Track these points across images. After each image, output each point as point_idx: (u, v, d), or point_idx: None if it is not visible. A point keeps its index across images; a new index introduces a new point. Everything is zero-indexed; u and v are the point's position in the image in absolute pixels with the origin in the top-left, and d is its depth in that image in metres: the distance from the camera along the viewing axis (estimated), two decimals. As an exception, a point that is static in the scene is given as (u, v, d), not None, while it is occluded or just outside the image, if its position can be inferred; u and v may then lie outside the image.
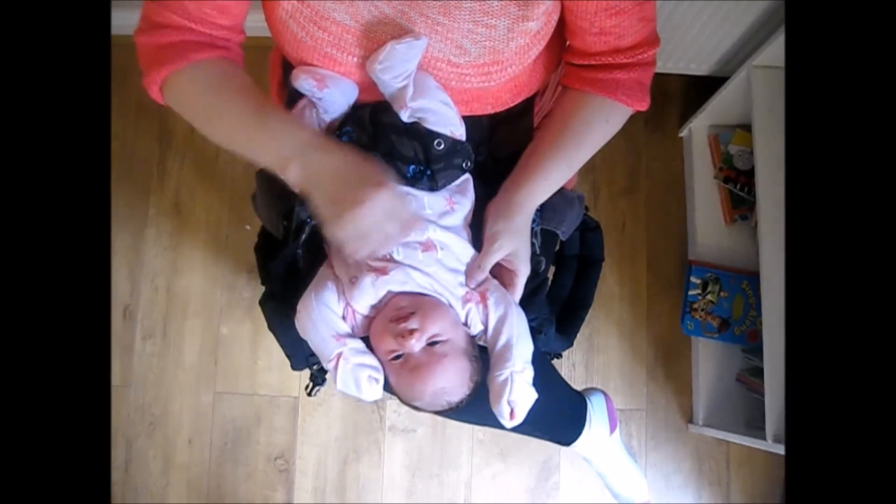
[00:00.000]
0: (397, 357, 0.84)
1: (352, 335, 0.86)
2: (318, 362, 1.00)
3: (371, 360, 0.85)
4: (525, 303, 0.91)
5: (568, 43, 0.91)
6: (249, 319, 1.80)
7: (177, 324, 1.81)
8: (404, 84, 0.84)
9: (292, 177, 0.78)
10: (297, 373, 1.03)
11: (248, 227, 1.80)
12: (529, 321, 0.89)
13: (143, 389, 1.78)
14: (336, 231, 0.77)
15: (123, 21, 1.78)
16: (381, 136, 0.86)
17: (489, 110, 0.94)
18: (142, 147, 1.87)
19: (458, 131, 0.89)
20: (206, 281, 1.82)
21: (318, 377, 1.03)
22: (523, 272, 0.90)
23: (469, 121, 0.92)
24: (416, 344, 0.82)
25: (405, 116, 0.85)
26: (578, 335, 1.79)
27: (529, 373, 0.85)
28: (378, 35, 0.81)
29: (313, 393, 0.99)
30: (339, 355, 0.83)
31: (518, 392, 0.83)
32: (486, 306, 0.87)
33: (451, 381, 0.85)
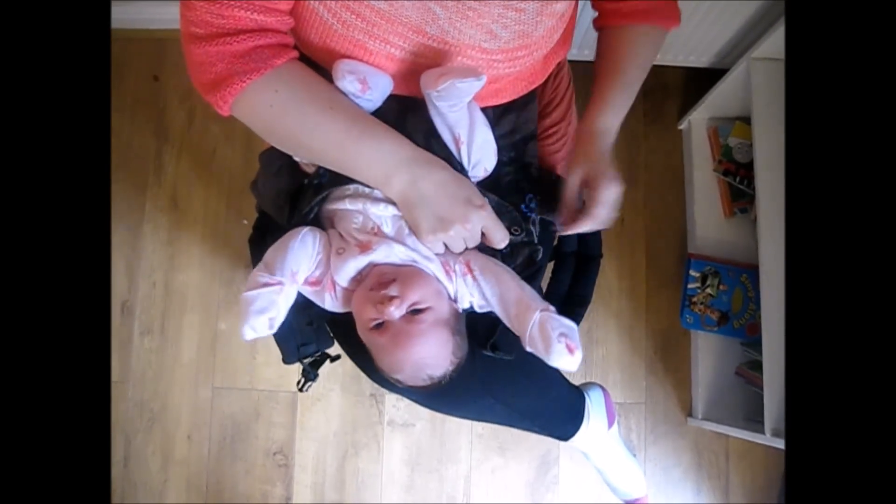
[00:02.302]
0: (378, 326, 0.84)
1: (306, 283, 0.87)
2: (309, 354, 1.00)
3: (283, 313, 0.84)
4: None
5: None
6: (247, 314, 1.80)
7: (175, 319, 1.81)
8: (458, 114, 0.84)
9: (393, 192, 0.83)
10: (295, 368, 1.03)
11: (245, 222, 1.80)
12: None
13: (141, 385, 1.78)
14: (434, 241, 0.84)
15: (119, 15, 1.79)
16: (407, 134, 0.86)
17: (505, 99, 0.94)
18: (138, 142, 1.86)
19: (491, 165, 0.90)
20: (203, 276, 1.82)
21: (310, 372, 1.02)
22: (603, 184, 0.90)
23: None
24: (395, 311, 0.82)
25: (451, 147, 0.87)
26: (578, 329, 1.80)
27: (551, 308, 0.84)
28: (412, 21, 0.79)
29: (304, 389, 0.99)
30: (281, 284, 0.82)
31: (561, 323, 0.82)
32: (474, 277, 0.87)
33: (432, 351, 0.85)
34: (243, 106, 0.80)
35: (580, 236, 1.08)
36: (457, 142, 0.86)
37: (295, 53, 0.82)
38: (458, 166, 0.86)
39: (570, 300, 1.06)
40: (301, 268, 0.85)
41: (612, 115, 0.94)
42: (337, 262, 0.85)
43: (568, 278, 1.07)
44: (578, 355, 0.81)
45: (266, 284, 0.82)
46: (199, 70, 0.79)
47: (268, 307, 0.81)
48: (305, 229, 0.87)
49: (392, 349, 0.84)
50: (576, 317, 1.03)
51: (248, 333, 0.81)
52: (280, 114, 0.81)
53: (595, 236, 1.08)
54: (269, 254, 0.86)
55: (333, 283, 0.87)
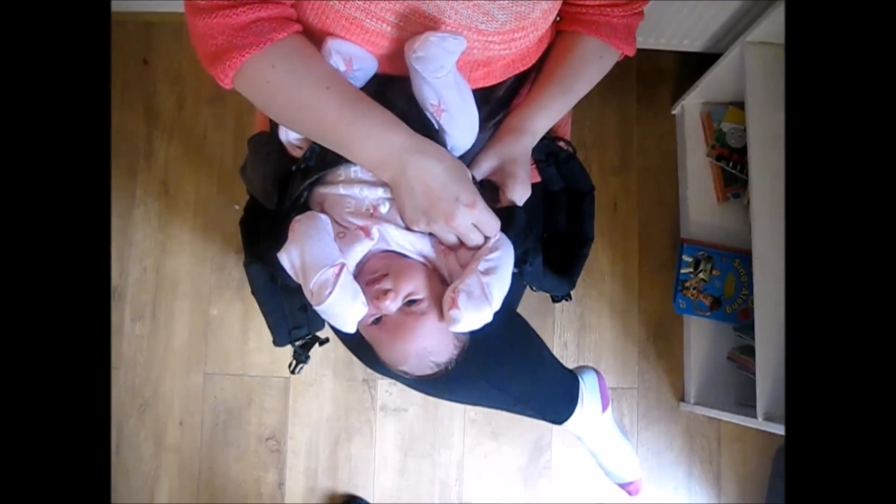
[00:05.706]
0: (377, 321, 0.83)
1: None
2: (301, 336, 0.99)
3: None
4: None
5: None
6: (239, 300, 1.79)
7: (166, 305, 1.80)
8: (439, 82, 0.82)
9: (385, 177, 0.83)
10: (287, 353, 1.02)
11: (237, 207, 1.79)
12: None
13: (132, 371, 1.77)
14: (417, 229, 0.84)
15: None
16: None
17: (492, 81, 0.94)
18: (128, 126, 1.85)
19: (471, 137, 0.89)
20: (195, 262, 1.81)
21: (302, 354, 1.02)
22: (512, 186, 0.89)
23: None
24: (391, 304, 0.81)
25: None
26: (570, 314, 1.80)
27: (494, 280, 0.81)
28: (410, 1, 0.78)
29: (297, 371, 0.98)
30: (344, 266, 0.79)
31: (468, 284, 0.80)
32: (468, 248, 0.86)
33: (433, 339, 0.84)
34: (242, 80, 0.80)
35: (561, 173, 1.05)
36: (435, 108, 0.84)
37: (297, 27, 0.81)
38: (435, 132, 0.85)
39: (569, 240, 1.03)
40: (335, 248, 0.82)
41: (541, 118, 0.94)
42: (342, 247, 0.83)
43: (563, 218, 1.04)
44: (455, 320, 0.79)
45: (337, 274, 0.78)
46: (202, 42, 0.79)
47: (354, 288, 0.79)
48: (315, 214, 0.84)
49: (393, 342, 0.84)
50: (577, 257, 1.01)
51: (360, 316, 0.80)
52: (276, 90, 0.80)
53: (575, 169, 1.05)
54: (300, 256, 0.80)
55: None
